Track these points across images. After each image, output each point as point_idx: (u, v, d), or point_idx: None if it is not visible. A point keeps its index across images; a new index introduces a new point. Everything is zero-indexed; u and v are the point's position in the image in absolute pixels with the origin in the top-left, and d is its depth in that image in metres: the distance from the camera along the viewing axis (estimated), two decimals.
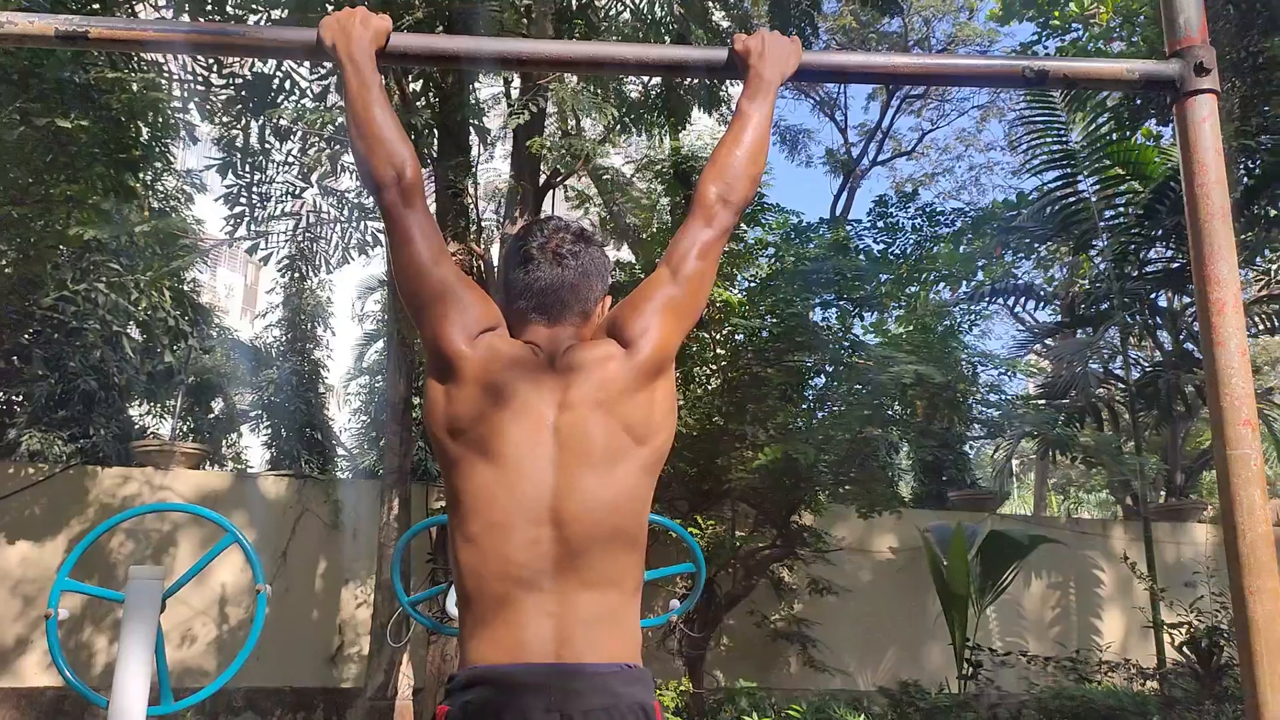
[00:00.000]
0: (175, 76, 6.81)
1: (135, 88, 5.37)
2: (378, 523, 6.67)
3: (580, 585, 1.42)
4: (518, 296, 1.59)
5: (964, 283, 10.34)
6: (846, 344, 6.83)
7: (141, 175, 8.33)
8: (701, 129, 10.15)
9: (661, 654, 7.15)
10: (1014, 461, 10.94)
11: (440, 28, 5.68)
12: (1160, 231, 8.32)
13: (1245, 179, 8.39)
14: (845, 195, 17.27)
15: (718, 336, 7.35)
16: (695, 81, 6.11)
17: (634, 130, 6.88)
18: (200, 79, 6.89)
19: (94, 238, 5.57)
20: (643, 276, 7.36)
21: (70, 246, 5.79)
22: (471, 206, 6.12)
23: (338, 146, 7.48)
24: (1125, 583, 8.93)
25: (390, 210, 1.54)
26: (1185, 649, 7.08)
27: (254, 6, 6.42)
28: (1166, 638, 7.31)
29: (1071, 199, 8.61)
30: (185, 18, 6.82)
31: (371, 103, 1.55)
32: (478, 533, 1.42)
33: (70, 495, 7.44)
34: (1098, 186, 8.53)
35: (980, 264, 10.26)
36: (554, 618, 1.40)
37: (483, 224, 7.27)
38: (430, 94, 6.40)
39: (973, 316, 7.94)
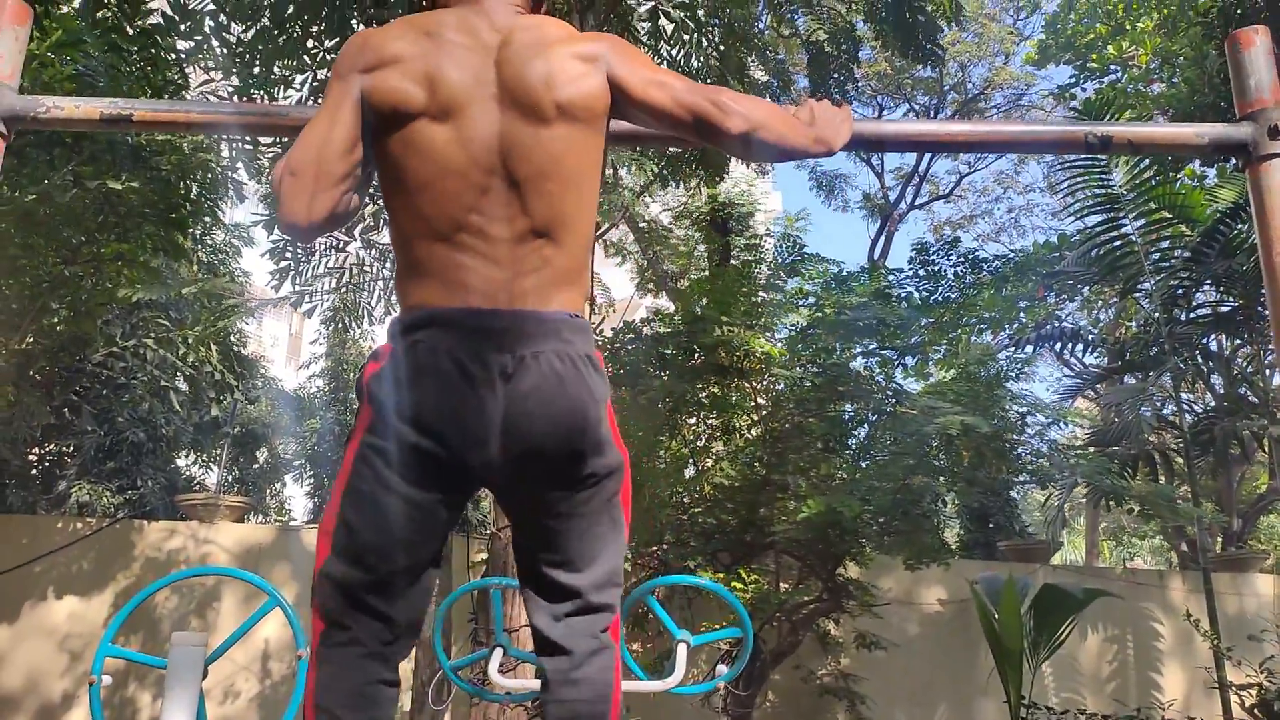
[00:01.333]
0: (225, 136, 6.98)
1: (186, 149, 5.47)
2: None
3: (529, 233, 1.44)
4: None
5: (1006, 327, 10.20)
6: (890, 393, 6.73)
7: (191, 232, 8.53)
8: (738, 176, 10.18)
9: (706, 713, 6.99)
10: (1064, 508, 10.66)
11: None
12: (1209, 275, 8.14)
13: None
14: (883, 239, 17.20)
15: (759, 386, 7.29)
16: None
17: (673, 182, 6.89)
18: (249, 139, 7.06)
19: (150, 295, 5.64)
20: (683, 325, 7.33)
21: (119, 306, 5.88)
22: None
23: (381, 201, 7.58)
24: (1185, 636, 8.61)
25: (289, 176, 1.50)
26: (1256, 711, 6.77)
27: (299, 69, 6.57)
28: (1234, 697, 7.01)
29: (1117, 242, 8.47)
30: (233, 82, 7.01)
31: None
32: (423, 181, 1.43)
33: (116, 549, 7.49)
34: (1143, 229, 8.38)
35: (1022, 306, 10.11)
36: (503, 265, 1.43)
37: None
38: None
39: (1019, 364, 7.79)
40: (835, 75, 5.99)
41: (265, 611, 3.42)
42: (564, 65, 1.49)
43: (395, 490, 1.41)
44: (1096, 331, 12.07)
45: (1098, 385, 10.25)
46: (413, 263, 1.47)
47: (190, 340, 7.25)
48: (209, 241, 11.49)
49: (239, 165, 7.03)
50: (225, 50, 7.05)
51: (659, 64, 8.05)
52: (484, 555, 6.81)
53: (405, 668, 7.37)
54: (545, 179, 1.44)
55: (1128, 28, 15.84)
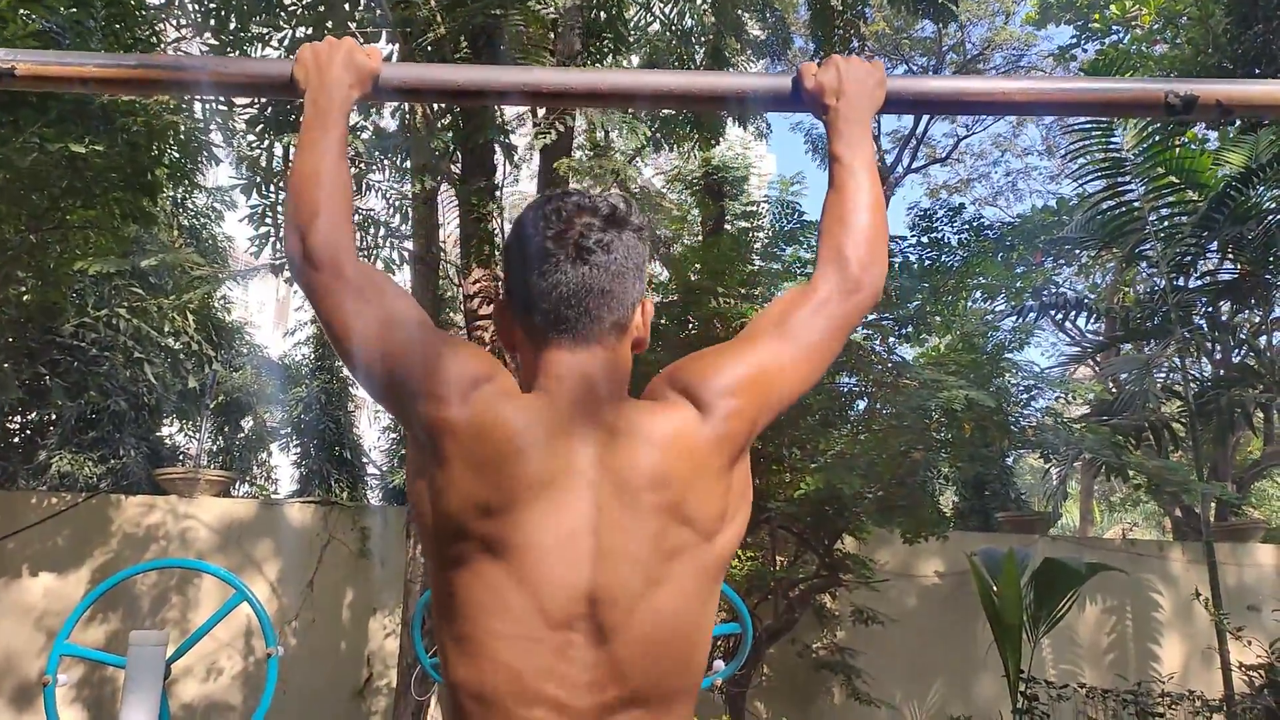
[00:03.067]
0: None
1: (153, 110, 5.19)
2: (404, 555, 6.45)
3: (620, 712, 1.10)
4: (531, 309, 1.20)
5: (1002, 294, 9.99)
6: (890, 365, 6.52)
7: (162, 199, 8.23)
8: (732, 139, 9.89)
9: (700, 691, 6.86)
10: (1059, 470, 10.55)
11: (464, 42, 5.47)
12: (1216, 243, 7.92)
13: None
14: None
15: None
16: None
17: (666, 146, 6.63)
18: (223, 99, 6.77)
19: (109, 268, 5.39)
20: (676, 295, 7.10)
21: (79, 279, 5.63)
22: (497, 231, 5.90)
23: (363, 165, 7.31)
24: (1185, 608, 8.51)
25: (316, 291, 1.20)
26: (1266, 692, 6.64)
27: (275, 25, 6.26)
28: (1237, 672, 6.90)
29: (1122, 209, 8.23)
30: (207, 40, 6.69)
31: (324, 158, 1.24)
32: (485, 646, 1.09)
33: (93, 525, 7.29)
34: (1149, 194, 8.14)
35: (1019, 271, 9.90)
36: None
37: None
38: (454, 112, 6.19)
39: (1023, 334, 7.57)
40: (839, 32, 5.70)
41: (231, 606, 3.24)
42: (698, 495, 1.14)
43: None
44: (1093, 298, 11.89)
45: (1099, 355, 10.06)
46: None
47: (165, 310, 6.98)
48: (190, 205, 11.20)
49: (212, 127, 6.74)
50: (198, 6, 6.74)
51: (651, 23, 7.74)
52: None
53: (392, 642, 7.22)
54: (653, 636, 1.12)
55: None
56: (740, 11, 5.93)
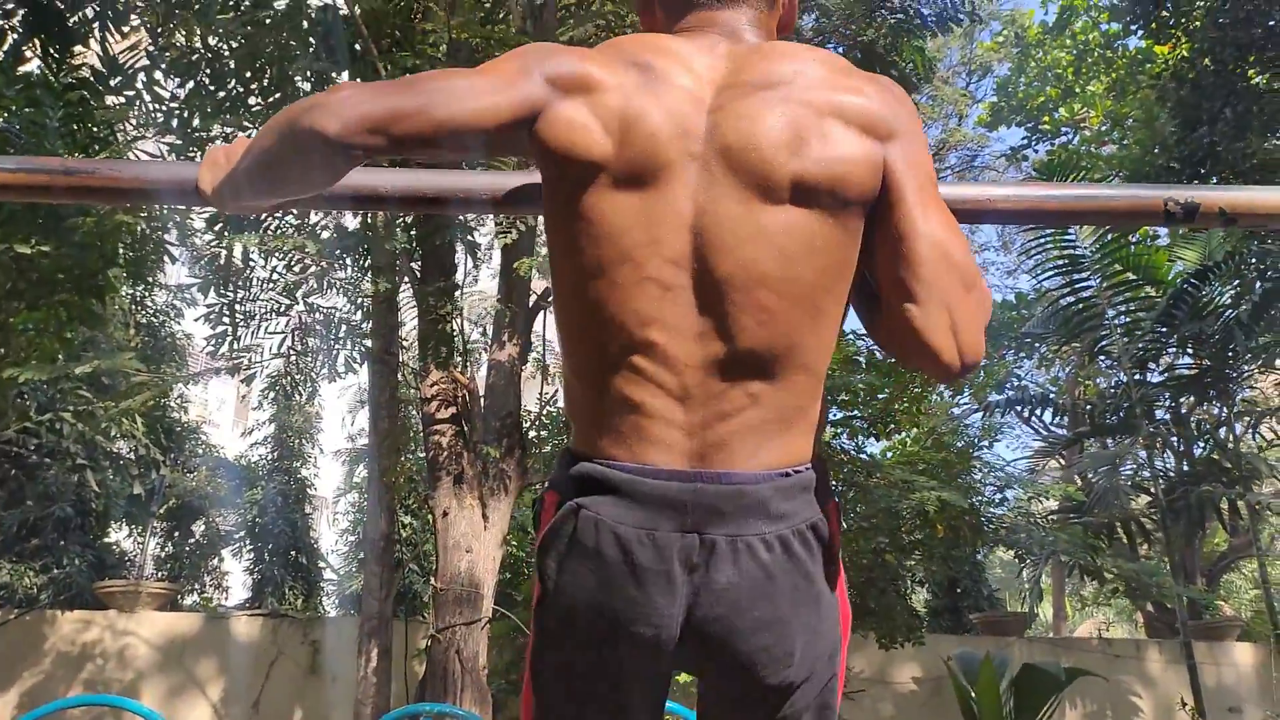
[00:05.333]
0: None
1: (101, 210, 5.07)
2: (355, 674, 6.10)
3: (729, 359, 1.02)
4: None
5: (967, 388, 9.99)
6: (860, 464, 6.40)
7: (120, 297, 8.06)
8: None
9: None
10: (1033, 572, 10.41)
11: None
12: (1176, 338, 8.00)
13: (1259, 282, 8.14)
14: None
15: None
16: None
17: None
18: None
19: (42, 375, 5.17)
20: None
21: (21, 384, 5.40)
22: (456, 332, 5.78)
23: (324, 264, 7.21)
24: (1165, 710, 8.30)
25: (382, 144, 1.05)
26: None
27: (239, 126, 6.22)
28: None
29: (1081, 304, 8.31)
30: (168, 140, 6.64)
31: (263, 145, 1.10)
32: (589, 270, 1.05)
33: (27, 642, 6.87)
34: (1108, 289, 8.24)
35: (982, 364, 9.94)
36: (691, 403, 1.03)
37: (469, 349, 6.92)
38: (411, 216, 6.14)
39: (993, 431, 7.53)
40: None
41: None
42: (819, 124, 1.05)
43: (587, 697, 1.06)
44: (1054, 391, 11.95)
45: (1065, 450, 10.04)
46: (579, 387, 1.09)
47: (111, 414, 6.73)
48: (148, 303, 11.00)
49: (170, 226, 6.63)
50: (160, 108, 6.71)
51: None
52: (427, 645, 6.32)
53: None
54: (758, 285, 1.02)
55: (1078, 91, 16.12)
56: None
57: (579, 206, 1.05)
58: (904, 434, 7.59)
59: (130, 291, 9.42)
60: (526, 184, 1.17)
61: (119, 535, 11.69)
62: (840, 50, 5.79)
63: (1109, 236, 8.27)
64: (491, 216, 5.33)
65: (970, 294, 1.05)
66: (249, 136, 1.21)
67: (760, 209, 1.02)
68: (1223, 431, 8.80)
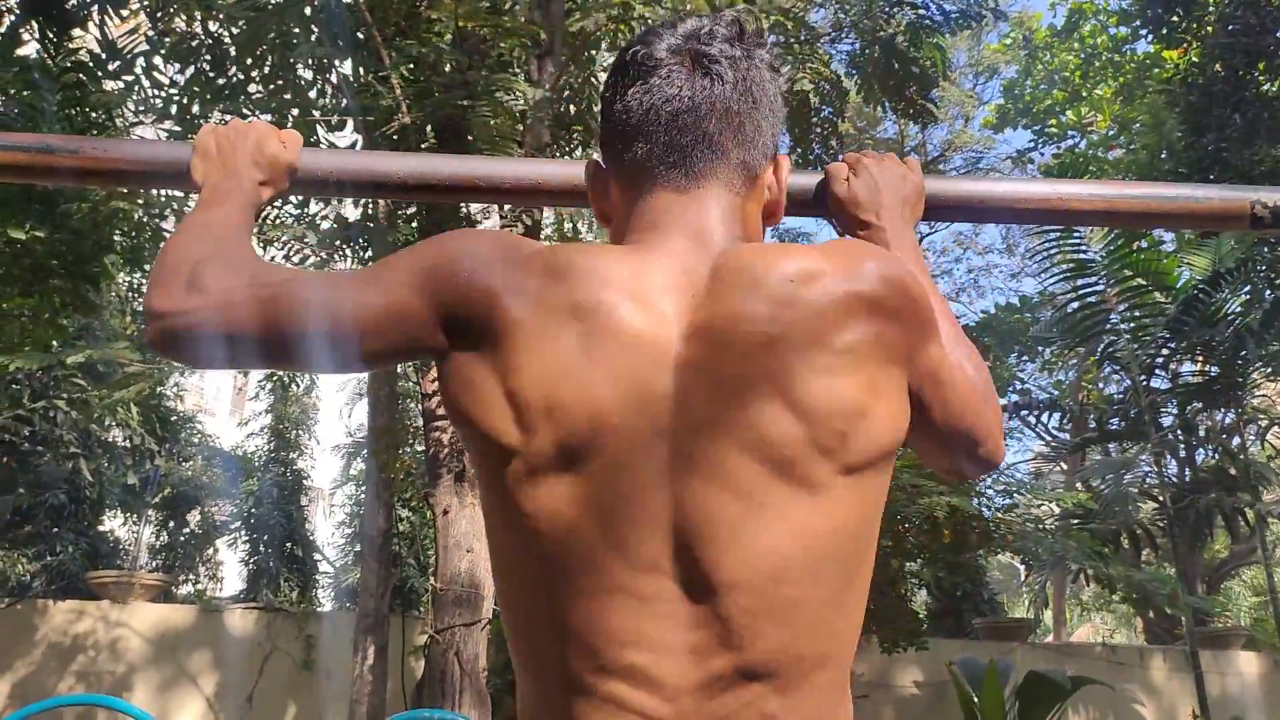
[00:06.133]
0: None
1: (97, 195, 4.97)
2: (351, 671, 6.01)
3: (736, 674, 0.78)
4: (630, 138, 0.89)
5: None
6: None
7: (117, 285, 7.96)
8: None
9: None
10: (1030, 575, 10.36)
11: (430, 132, 5.33)
12: (1188, 344, 7.92)
13: (1269, 290, 8.07)
14: None
15: None
16: None
17: None
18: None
19: (34, 364, 5.09)
20: None
21: (13, 372, 5.31)
22: None
23: (324, 254, 7.12)
24: (1168, 718, 8.23)
25: (216, 321, 0.87)
26: None
27: (239, 113, 6.12)
28: None
29: (1087, 309, 8.22)
30: (167, 127, 6.53)
31: (216, 232, 0.95)
32: (546, 601, 0.81)
33: (18, 632, 6.77)
34: (1118, 295, 8.15)
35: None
36: None
37: None
38: (417, 205, 6.03)
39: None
40: (818, 130, 5.63)
41: None
42: (829, 370, 0.81)
43: None
44: (1057, 395, 11.87)
45: (1070, 456, 9.96)
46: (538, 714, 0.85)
47: (105, 403, 6.64)
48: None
49: (167, 213, 6.53)
50: (159, 93, 6.61)
51: None
52: (426, 639, 6.23)
53: None
54: (770, 582, 0.79)
55: (1085, 94, 16.02)
56: None
57: (513, 495, 0.82)
58: None
59: (127, 279, 9.34)
60: (551, 171, 1.06)
61: (113, 524, 11.60)
62: (858, 46, 5.68)
63: (1118, 241, 8.18)
64: (496, 209, 5.23)
65: (992, 406, 0.93)
66: (246, 120, 1.10)
67: (765, 489, 0.79)
68: (1231, 439, 8.73)
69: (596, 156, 0.94)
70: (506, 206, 4.74)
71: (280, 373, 8.06)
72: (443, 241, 0.89)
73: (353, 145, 5.96)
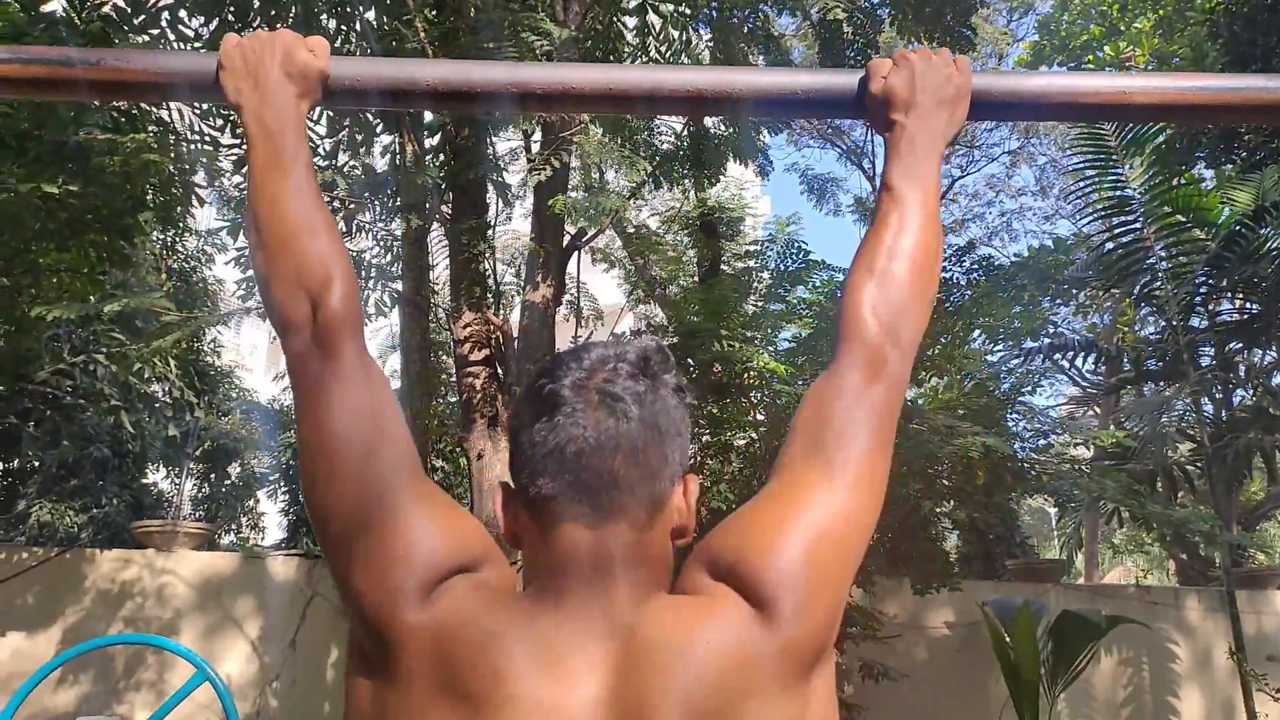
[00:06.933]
0: (182, 136, 6.49)
1: (129, 149, 4.98)
2: None
3: None
4: (537, 472, 0.90)
5: (1000, 334, 9.79)
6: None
7: (150, 242, 8.02)
8: (728, 179, 9.76)
9: None
10: (1073, 519, 10.31)
11: None
12: (1228, 282, 7.75)
13: None
14: None
15: (756, 400, 6.83)
16: (732, 129, 5.65)
17: (664, 184, 6.43)
18: (208, 138, 6.58)
19: (71, 313, 5.15)
20: (675, 339, 6.86)
21: (54, 325, 5.38)
22: (489, 272, 5.67)
23: (353, 205, 7.12)
24: (1203, 658, 8.22)
25: (299, 362, 0.96)
26: None
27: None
28: None
29: (1123, 249, 8.05)
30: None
31: (285, 191, 0.98)
32: None
33: (67, 581, 6.96)
34: (1157, 232, 7.97)
35: (1016, 310, 9.76)
36: None
37: (502, 290, 6.83)
38: (445, 149, 6.00)
39: (1034, 377, 7.36)
40: (852, 61, 5.52)
41: (193, 686, 2.95)
42: None
43: None
44: (1092, 338, 11.71)
45: (1107, 399, 9.85)
46: None
47: (144, 355, 6.73)
48: (179, 249, 11.00)
49: (198, 167, 6.55)
50: (184, 46, 6.60)
51: (647, 64, 7.55)
52: None
53: None
54: None
55: (1123, 28, 15.56)
56: (744, 45, 5.76)
57: None
58: (938, 380, 7.45)
59: (161, 237, 9.40)
60: (582, 76, 1.03)
61: (156, 476, 11.85)
62: None
63: (1157, 179, 7.98)
64: (524, 154, 5.19)
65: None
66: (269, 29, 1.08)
67: None
68: (1270, 378, 8.58)
69: (507, 479, 0.95)
70: (536, 146, 4.70)
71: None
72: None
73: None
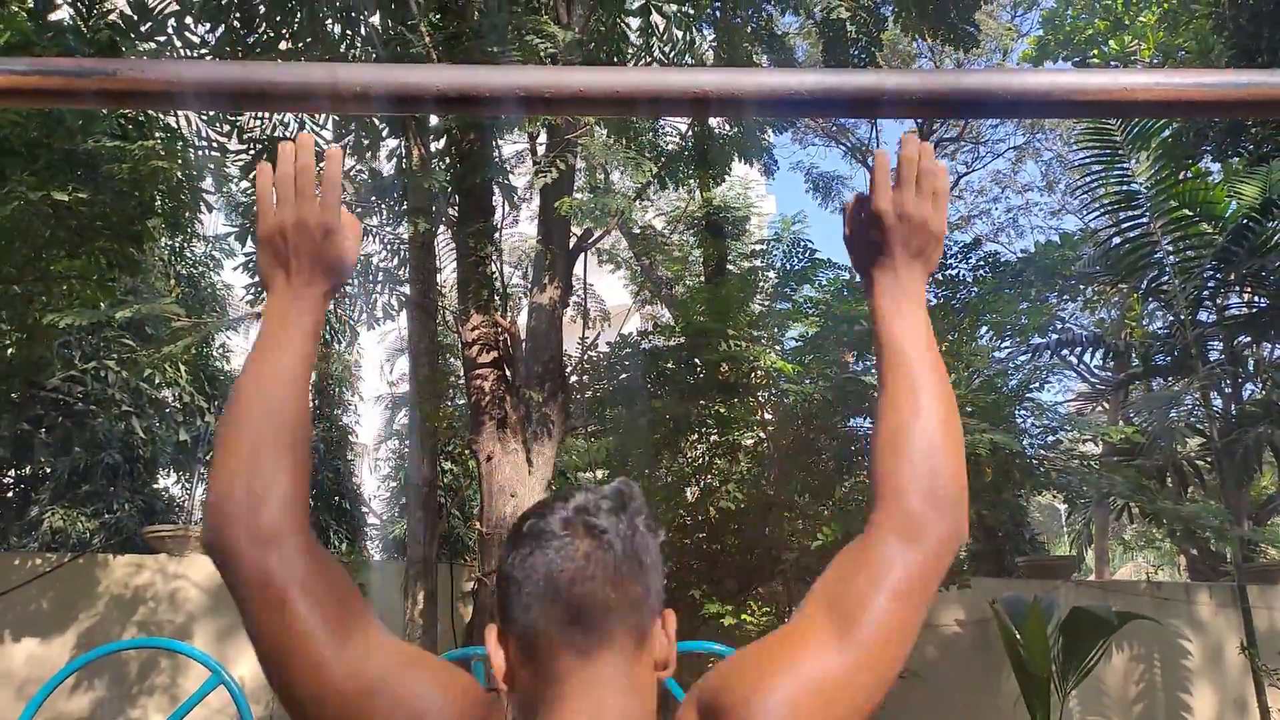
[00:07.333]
0: (189, 143, 6.53)
1: (137, 156, 5.02)
2: (402, 617, 6.15)
3: None
4: (530, 604, 0.92)
5: (1008, 331, 9.77)
6: None
7: (159, 248, 8.06)
8: (733, 178, 9.76)
9: None
10: (1072, 515, 10.29)
11: None
12: (1236, 275, 7.73)
13: None
14: None
15: (763, 399, 6.84)
16: (737, 128, 5.65)
17: (669, 185, 6.44)
18: (215, 145, 6.61)
19: (82, 320, 5.18)
20: (682, 340, 6.86)
21: (64, 332, 5.42)
22: (496, 275, 5.69)
23: (359, 210, 7.15)
24: (1215, 654, 8.20)
25: (251, 583, 0.95)
26: None
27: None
28: None
29: (1129, 244, 8.03)
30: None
31: (277, 388, 1.01)
32: None
33: (80, 586, 7.00)
34: (1164, 227, 7.95)
35: (1023, 306, 9.74)
36: None
37: (509, 292, 6.85)
38: (451, 153, 6.02)
39: (1041, 373, 7.35)
40: (856, 59, 5.52)
41: (209, 689, 2.98)
42: None
43: None
44: (1100, 332, 11.68)
45: (1115, 394, 9.82)
46: None
47: (154, 361, 6.77)
48: (188, 254, 11.06)
49: (205, 173, 6.58)
50: (190, 53, 6.63)
51: (648, 65, 7.58)
52: (472, 588, 6.36)
53: None
54: None
55: (1128, 22, 15.52)
56: (747, 45, 5.77)
57: None
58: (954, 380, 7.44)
59: (169, 243, 9.45)
60: (591, 79, 1.04)
61: (167, 481, 11.92)
62: None
63: (1164, 173, 7.96)
64: (530, 157, 5.21)
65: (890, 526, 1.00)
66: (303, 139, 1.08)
67: None
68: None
69: (496, 625, 0.98)
70: (541, 149, 4.72)
71: (322, 329, 8.14)
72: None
73: None
